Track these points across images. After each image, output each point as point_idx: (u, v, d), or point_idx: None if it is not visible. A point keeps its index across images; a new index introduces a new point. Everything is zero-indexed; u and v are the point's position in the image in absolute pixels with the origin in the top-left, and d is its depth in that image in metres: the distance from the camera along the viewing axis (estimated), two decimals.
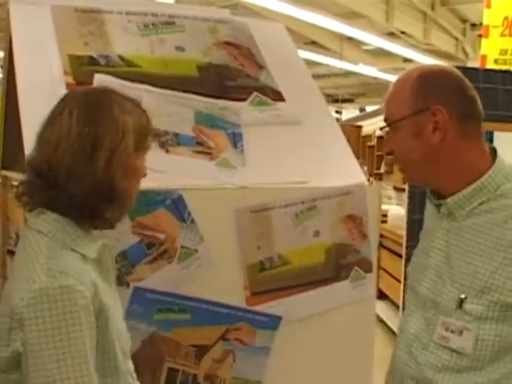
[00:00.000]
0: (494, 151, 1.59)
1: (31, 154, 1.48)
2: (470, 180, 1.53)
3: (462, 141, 1.54)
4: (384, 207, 7.81)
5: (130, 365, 1.58)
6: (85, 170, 1.40)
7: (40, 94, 2.19)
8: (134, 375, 1.61)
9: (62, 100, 1.51)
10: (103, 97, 1.50)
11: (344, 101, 18.65)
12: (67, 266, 1.34)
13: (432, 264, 1.60)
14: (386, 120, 1.63)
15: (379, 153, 9.87)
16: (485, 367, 1.45)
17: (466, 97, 1.56)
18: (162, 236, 2.13)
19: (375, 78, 15.19)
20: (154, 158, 1.96)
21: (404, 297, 5.24)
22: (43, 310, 1.27)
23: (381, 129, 1.65)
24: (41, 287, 1.29)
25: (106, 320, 1.39)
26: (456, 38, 11.21)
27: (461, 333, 1.47)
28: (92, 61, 2.40)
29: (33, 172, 1.45)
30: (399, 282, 5.70)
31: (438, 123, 1.52)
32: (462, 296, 1.48)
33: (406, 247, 5.40)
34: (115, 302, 1.51)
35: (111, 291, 1.51)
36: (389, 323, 6.27)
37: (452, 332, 1.49)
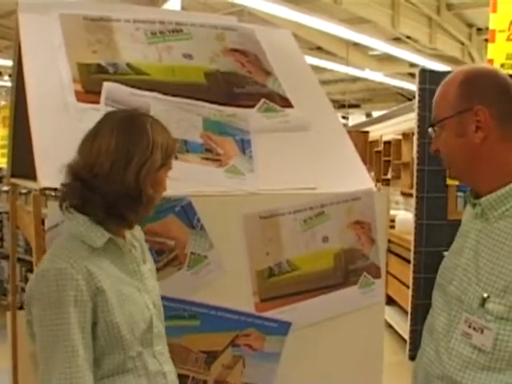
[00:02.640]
0: None
1: (73, 161, 1.71)
2: (505, 181, 1.57)
3: (503, 143, 1.58)
4: (392, 212, 7.80)
5: (156, 348, 1.77)
6: (119, 176, 1.65)
7: (49, 102, 2.21)
8: (163, 359, 1.80)
9: (103, 119, 1.76)
10: (139, 119, 1.74)
11: (350, 106, 18.63)
12: (66, 252, 1.60)
13: (462, 263, 1.63)
14: (432, 120, 1.68)
15: (386, 158, 9.86)
16: (504, 369, 1.47)
17: (509, 97, 1.59)
18: (171, 243, 2.14)
19: (381, 84, 15.21)
20: None
21: (413, 302, 5.22)
22: (42, 288, 1.55)
23: (429, 127, 1.70)
24: (42, 269, 1.58)
25: (106, 301, 1.61)
26: (462, 43, 11.19)
27: (482, 331, 1.50)
28: (100, 69, 2.41)
29: (72, 175, 1.69)
30: (407, 287, 5.69)
31: (480, 122, 1.56)
32: (485, 295, 1.51)
33: (414, 252, 5.39)
34: (132, 289, 1.71)
35: (128, 279, 1.72)
36: (397, 328, 6.26)
37: (474, 329, 1.52)
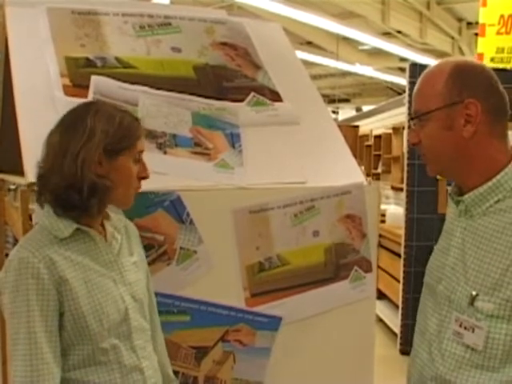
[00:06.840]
0: None
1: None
2: (488, 177, 1.54)
3: (491, 138, 1.55)
4: (382, 207, 7.81)
5: (137, 342, 1.75)
6: (58, 168, 1.64)
7: (37, 96, 2.19)
8: (144, 354, 1.77)
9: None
10: (79, 108, 1.74)
11: (340, 101, 18.65)
12: (31, 242, 1.63)
13: (449, 262, 1.61)
14: (415, 112, 1.63)
15: (376, 152, 9.87)
16: (497, 368, 1.46)
17: (497, 93, 1.57)
18: (160, 237, 2.12)
19: (371, 78, 15.25)
20: (151, 159, 1.95)
21: (404, 296, 5.23)
22: (8, 277, 1.59)
23: (410, 119, 1.65)
24: (9, 259, 1.61)
25: (70, 291, 1.62)
26: (452, 37, 11.22)
27: (473, 330, 1.49)
28: (88, 63, 2.39)
29: (36, 174, 1.72)
30: (398, 281, 5.70)
31: (470, 116, 1.53)
32: (474, 293, 1.49)
33: (405, 246, 5.41)
34: (106, 280, 1.71)
35: (102, 270, 1.71)
36: (388, 323, 6.27)
37: (465, 329, 1.50)
